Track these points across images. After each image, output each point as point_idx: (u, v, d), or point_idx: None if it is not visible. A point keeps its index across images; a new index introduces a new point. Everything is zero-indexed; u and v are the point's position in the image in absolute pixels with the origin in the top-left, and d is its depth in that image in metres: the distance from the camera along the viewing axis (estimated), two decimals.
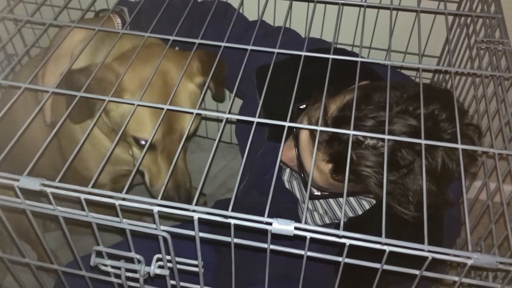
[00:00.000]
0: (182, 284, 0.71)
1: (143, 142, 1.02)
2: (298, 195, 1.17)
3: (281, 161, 1.05)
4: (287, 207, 1.16)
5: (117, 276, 0.69)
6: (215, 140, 2.00)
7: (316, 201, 1.11)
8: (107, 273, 0.70)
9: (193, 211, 0.59)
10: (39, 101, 1.08)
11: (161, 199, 0.60)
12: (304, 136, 0.92)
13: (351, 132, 0.70)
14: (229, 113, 0.73)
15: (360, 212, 1.03)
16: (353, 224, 1.00)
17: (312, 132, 0.88)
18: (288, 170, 1.20)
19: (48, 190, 0.59)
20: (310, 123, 0.90)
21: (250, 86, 1.14)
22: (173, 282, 0.70)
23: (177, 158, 0.71)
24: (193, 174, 1.89)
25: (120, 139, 0.92)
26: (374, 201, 1.02)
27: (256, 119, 0.72)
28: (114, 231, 1.31)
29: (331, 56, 0.82)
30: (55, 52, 0.98)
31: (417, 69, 0.77)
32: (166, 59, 0.96)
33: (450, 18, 1.30)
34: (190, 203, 0.59)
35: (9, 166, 1.02)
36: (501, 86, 0.85)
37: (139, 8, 1.04)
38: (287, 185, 1.20)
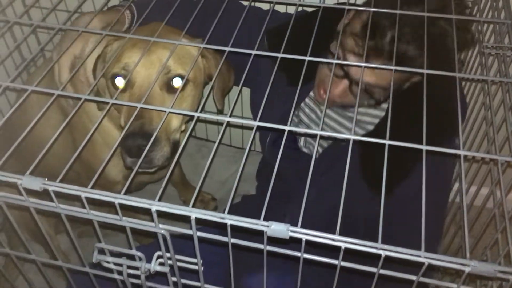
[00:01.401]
0: (183, 281, 0.71)
1: (119, 81, 0.99)
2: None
3: (330, 100, 1.08)
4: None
5: (120, 273, 0.70)
6: (227, 145, 2.03)
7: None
8: (110, 270, 0.72)
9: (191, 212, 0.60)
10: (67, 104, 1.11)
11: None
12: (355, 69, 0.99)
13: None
14: (231, 116, 0.74)
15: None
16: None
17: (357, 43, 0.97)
18: (302, 138, 1.26)
19: (50, 188, 0.61)
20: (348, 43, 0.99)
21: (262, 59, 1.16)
22: (174, 279, 0.71)
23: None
24: (205, 179, 1.91)
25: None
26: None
27: (256, 123, 0.72)
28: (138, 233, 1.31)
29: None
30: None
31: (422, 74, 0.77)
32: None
33: None
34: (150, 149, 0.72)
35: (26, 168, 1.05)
36: (509, 93, 0.84)
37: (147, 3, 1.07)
38: (305, 150, 1.26)
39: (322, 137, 1.21)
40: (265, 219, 0.59)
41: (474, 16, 1.11)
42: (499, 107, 0.92)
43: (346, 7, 0.94)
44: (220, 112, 1.19)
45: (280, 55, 0.85)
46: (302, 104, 1.27)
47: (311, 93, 1.24)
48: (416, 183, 0.84)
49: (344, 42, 1.00)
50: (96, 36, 1.01)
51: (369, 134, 1.14)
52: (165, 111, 0.76)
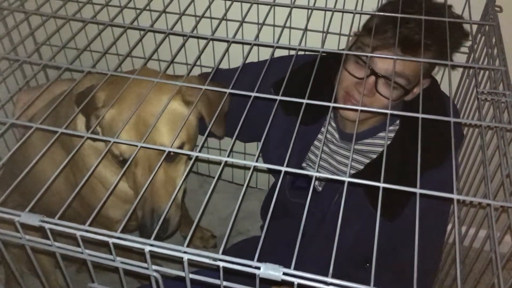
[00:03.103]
0: None
1: (117, 156, 1.03)
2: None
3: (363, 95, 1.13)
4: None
5: None
6: (229, 182, 2.05)
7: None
8: None
9: (184, 252, 0.60)
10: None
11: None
12: (380, 64, 1.08)
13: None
14: (229, 156, 0.75)
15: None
16: (371, 167, 1.21)
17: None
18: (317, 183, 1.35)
19: (47, 226, 0.62)
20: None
21: (269, 105, 1.19)
22: None
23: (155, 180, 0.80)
24: (204, 215, 1.91)
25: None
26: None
27: (253, 163, 0.74)
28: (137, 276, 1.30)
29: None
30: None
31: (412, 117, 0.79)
32: (149, 81, 1.00)
33: (460, 70, 1.32)
34: (165, 231, 0.61)
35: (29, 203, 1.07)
36: (504, 138, 0.85)
37: None
38: (320, 189, 1.35)
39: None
40: (275, 260, 0.60)
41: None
42: (495, 152, 0.93)
43: (344, 52, 0.97)
44: (220, 138, 1.23)
45: (278, 97, 0.87)
46: (312, 147, 1.34)
47: (319, 135, 1.28)
48: (422, 205, 0.86)
49: (362, 42, 1.11)
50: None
51: (370, 163, 1.23)
52: (164, 150, 0.78)
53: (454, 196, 0.69)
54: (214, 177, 2.03)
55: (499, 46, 1.02)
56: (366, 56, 1.04)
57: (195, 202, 1.92)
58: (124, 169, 0.75)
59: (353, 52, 1.03)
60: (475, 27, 1.24)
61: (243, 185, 2.01)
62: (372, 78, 1.09)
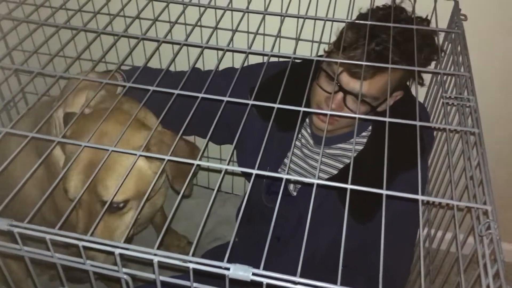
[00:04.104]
0: None
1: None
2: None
3: (332, 109, 1.15)
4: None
5: None
6: (205, 187, 2.04)
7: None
8: None
9: (155, 255, 0.61)
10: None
11: None
12: (345, 78, 1.11)
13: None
14: (201, 160, 0.76)
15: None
16: (345, 172, 1.23)
17: (350, 71, 1.09)
18: (292, 183, 1.35)
19: (15, 230, 0.61)
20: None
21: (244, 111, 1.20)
22: None
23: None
24: (180, 221, 1.91)
25: None
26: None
27: (225, 166, 0.74)
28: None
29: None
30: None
31: (384, 122, 0.81)
32: (118, 125, 1.00)
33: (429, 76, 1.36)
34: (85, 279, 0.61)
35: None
36: (468, 142, 0.88)
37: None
38: (295, 194, 1.35)
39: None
40: (249, 264, 0.60)
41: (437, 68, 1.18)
42: (461, 155, 0.96)
43: (315, 58, 0.99)
44: (186, 197, 1.20)
45: (250, 102, 0.88)
46: (289, 153, 1.34)
47: (297, 142, 1.29)
48: (394, 208, 0.89)
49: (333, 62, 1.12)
50: (90, 90, 1.08)
51: (344, 168, 1.26)
52: (135, 154, 0.79)
53: (419, 197, 0.72)
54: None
55: (464, 53, 1.06)
56: (336, 62, 1.06)
57: (172, 208, 1.91)
58: (69, 211, 0.70)
59: (321, 58, 1.06)
60: (442, 35, 1.28)
61: (219, 191, 2.02)
62: (340, 94, 1.13)
